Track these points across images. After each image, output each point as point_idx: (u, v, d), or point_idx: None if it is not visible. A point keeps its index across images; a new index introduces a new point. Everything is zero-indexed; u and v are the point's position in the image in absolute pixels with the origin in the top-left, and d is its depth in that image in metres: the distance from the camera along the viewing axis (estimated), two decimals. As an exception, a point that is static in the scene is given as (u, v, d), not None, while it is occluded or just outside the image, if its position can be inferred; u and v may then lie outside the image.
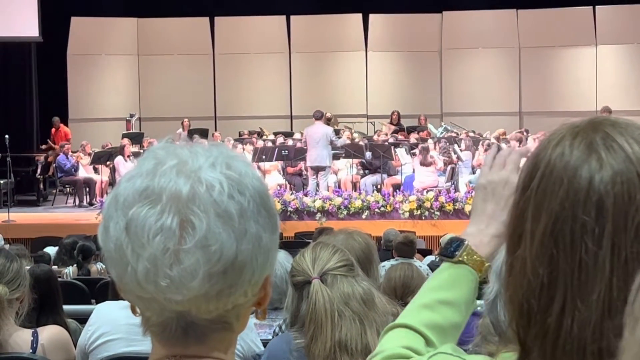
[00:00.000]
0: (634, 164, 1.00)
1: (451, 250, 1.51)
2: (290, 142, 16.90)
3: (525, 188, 1.06)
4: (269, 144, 16.42)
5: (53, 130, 19.05)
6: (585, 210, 0.99)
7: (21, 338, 3.50)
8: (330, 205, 13.66)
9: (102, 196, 15.62)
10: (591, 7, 20.33)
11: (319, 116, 14.89)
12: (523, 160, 1.47)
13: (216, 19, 21.30)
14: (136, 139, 18.11)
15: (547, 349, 1.01)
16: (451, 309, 1.48)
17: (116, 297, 3.79)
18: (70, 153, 16.65)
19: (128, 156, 15.78)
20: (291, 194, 14.10)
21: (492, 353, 1.14)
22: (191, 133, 18.15)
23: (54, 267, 7.52)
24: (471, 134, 17.56)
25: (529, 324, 1.03)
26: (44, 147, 18.90)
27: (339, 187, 15.28)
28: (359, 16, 21.13)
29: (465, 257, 1.50)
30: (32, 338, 3.52)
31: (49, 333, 3.63)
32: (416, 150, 15.58)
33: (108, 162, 16.29)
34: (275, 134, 18.90)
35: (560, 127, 1.07)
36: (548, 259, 1.00)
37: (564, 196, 1.01)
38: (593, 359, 0.98)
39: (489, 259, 1.52)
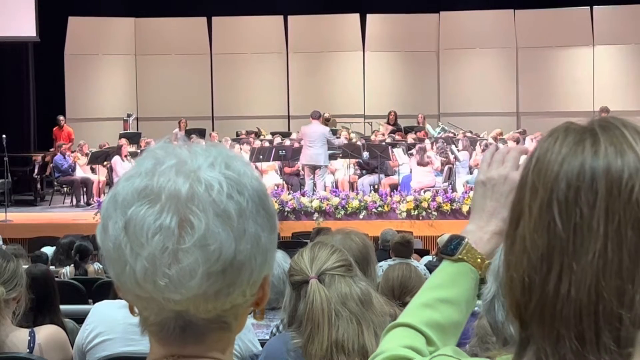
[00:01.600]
0: (629, 141, 1.04)
1: (451, 248, 1.51)
2: (287, 142, 16.90)
3: (523, 172, 1.09)
4: (267, 144, 16.41)
5: (55, 128, 18.95)
6: (579, 177, 1.02)
7: (18, 338, 3.50)
8: (327, 205, 13.66)
9: (99, 196, 15.62)
10: (588, 7, 20.34)
11: (316, 116, 14.87)
12: (522, 158, 1.49)
13: (214, 18, 21.29)
14: (133, 138, 18.09)
15: (546, 319, 1.03)
16: (452, 308, 1.48)
17: (116, 297, 3.79)
18: (68, 153, 16.63)
19: (125, 156, 15.78)
20: (288, 194, 14.10)
21: (491, 357, 1.16)
22: (188, 133, 18.13)
23: (51, 267, 7.52)
24: (468, 134, 17.57)
25: (529, 300, 1.04)
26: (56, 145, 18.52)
27: (337, 187, 15.28)
28: (357, 16, 21.13)
29: (465, 255, 1.49)
30: (29, 338, 3.52)
31: (46, 333, 3.63)
32: (413, 151, 15.59)
33: (105, 162, 16.27)
34: (273, 134, 18.90)
35: (556, 127, 1.11)
36: (546, 229, 1.03)
37: (558, 170, 1.03)
38: (589, 321, 1.00)
39: (489, 257, 1.52)
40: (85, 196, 16.19)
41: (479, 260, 1.50)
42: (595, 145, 1.03)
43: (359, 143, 16.03)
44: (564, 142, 1.05)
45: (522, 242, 1.05)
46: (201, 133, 18.68)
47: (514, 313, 1.07)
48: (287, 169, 15.94)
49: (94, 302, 5.58)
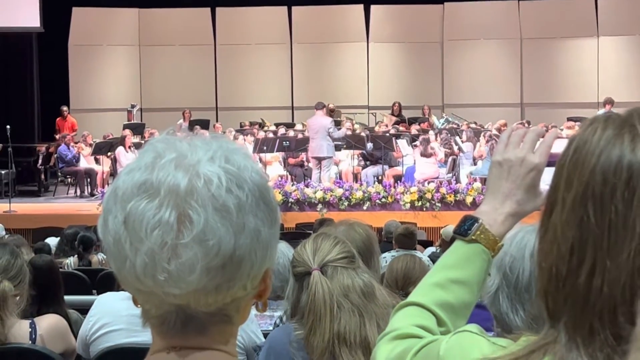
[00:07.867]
0: None
1: (465, 228, 1.50)
2: (291, 133, 16.89)
3: (560, 162, 1.09)
4: (270, 135, 16.40)
5: (59, 119, 18.93)
6: (616, 174, 1.01)
7: (20, 329, 3.51)
8: (331, 196, 13.66)
9: (103, 187, 15.63)
10: (593, -2, 20.32)
11: (320, 107, 14.87)
12: (539, 141, 1.49)
13: (217, 9, 21.27)
14: (137, 129, 18.08)
15: (577, 311, 1.02)
16: (463, 288, 1.48)
17: (120, 288, 3.80)
18: (72, 143, 16.64)
19: (129, 147, 15.79)
20: (292, 185, 14.10)
21: (513, 339, 1.16)
22: (192, 124, 18.14)
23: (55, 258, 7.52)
24: (472, 125, 17.54)
25: (557, 289, 1.05)
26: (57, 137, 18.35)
27: (340, 178, 15.28)
28: (361, 7, 21.09)
29: (479, 236, 1.48)
30: (30, 329, 3.53)
31: (47, 323, 3.64)
32: (417, 142, 15.57)
33: (109, 153, 16.29)
34: (277, 125, 18.89)
35: (597, 116, 1.10)
36: (578, 222, 1.03)
37: (595, 163, 1.03)
38: (625, 319, 0.99)
39: (503, 238, 1.51)
40: (89, 187, 16.20)
41: (492, 241, 1.49)
42: (635, 141, 1.03)
43: (362, 134, 16.01)
44: (603, 134, 1.05)
45: (553, 231, 1.06)
46: (205, 124, 18.66)
47: (542, 298, 1.08)
48: (291, 160, 15.95)
49: (98, 293, 5.59)
